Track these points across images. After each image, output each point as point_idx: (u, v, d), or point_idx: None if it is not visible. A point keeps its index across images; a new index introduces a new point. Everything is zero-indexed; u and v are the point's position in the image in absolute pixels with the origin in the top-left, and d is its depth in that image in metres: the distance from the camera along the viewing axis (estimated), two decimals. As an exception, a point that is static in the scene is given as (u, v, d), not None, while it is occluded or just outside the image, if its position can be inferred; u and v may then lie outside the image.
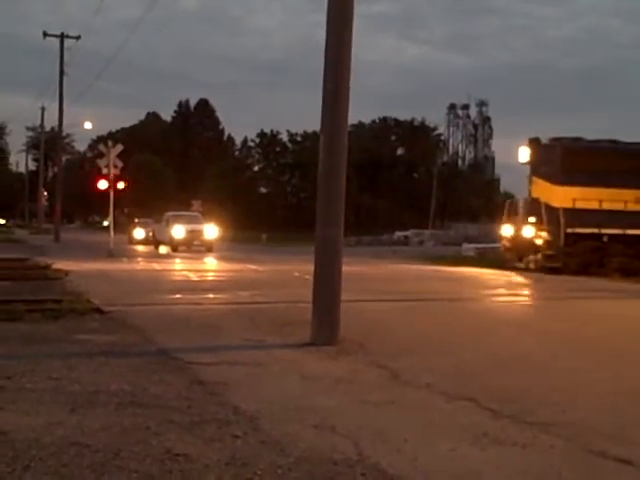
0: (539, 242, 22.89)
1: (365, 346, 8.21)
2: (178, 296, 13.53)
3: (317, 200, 8.62)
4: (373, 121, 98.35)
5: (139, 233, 44.31)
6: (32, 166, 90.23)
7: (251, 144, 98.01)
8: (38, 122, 67.12)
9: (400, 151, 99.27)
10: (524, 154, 24.42)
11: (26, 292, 12.99)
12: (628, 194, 23.38)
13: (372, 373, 6.90)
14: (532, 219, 23.17)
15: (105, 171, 30.01)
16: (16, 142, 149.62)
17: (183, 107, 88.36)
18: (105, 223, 59.62)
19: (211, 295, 13.88)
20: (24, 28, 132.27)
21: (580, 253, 23.00)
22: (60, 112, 41.00)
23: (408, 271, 23.17)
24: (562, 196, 22.92)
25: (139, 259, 23.11)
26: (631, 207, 23.37)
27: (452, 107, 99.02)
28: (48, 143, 66.88)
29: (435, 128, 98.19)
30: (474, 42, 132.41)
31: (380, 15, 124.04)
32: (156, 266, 21.69)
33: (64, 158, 64.80)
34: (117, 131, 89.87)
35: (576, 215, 22.67)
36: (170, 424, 5.00)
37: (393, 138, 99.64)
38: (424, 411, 5.60)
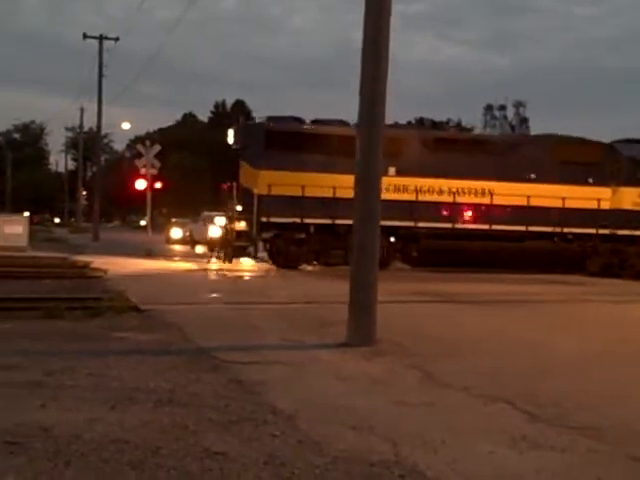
0: (233, 233, 21.78)
1: (402, 347, 8.19)
2: (215, 295, 13.61)
3: (354, 202, 8.61)
4: (409, 122, 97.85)
5: (176, 233, 44.61)
6: (71, 166, 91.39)
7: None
8: (77, 122, 67.97)
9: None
10: (231, 136, 23.01)
11: (66, 290, 13.18)
12: (341, 180, 20.92)
13: (409, 374, 6.87)
14: (240, 207, 21.81)
15: (143, 171, 30.39)
16: (56, 142, 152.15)
17: (220, 107, 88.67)
18: (142, 223, 60.21)
19: (247, 294, 13.93)
20: (65, 30, 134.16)
21: (283, 245, 21.75)
22: (99, 112, 41.46)
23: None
24: (260, 181, 21.33)
25: (176, 258, 23.28)
26: (343, 194, 20.87)
27: (489, 108, 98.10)
28: (87, 143, 67.69)
29: (472, 129, 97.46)
30: (512, 42, 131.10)
31: (416, 15, 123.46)
32: (193, 265, 21.81)
33: (103, 158, 65.49)
34: (155, 131, 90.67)
35: (272, 202, 21.07)
36: (208, 422, 5.03)
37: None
38: (462, 413, 5.56)
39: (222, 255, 22.44)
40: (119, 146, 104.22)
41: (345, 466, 4.21)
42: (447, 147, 22.77)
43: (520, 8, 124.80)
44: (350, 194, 21.17)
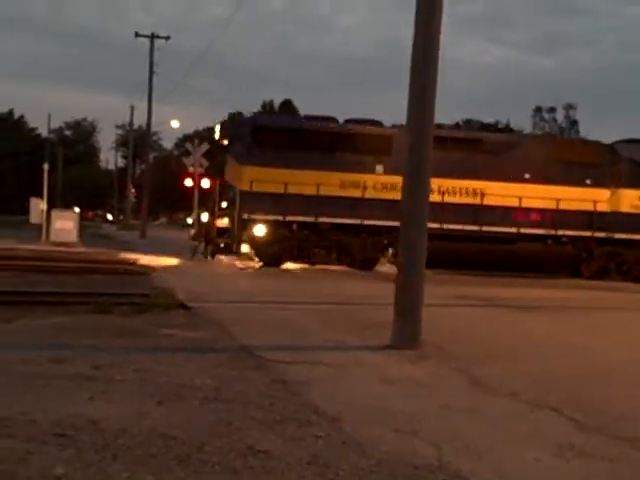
0: (214, 229, 21.61)
1: (446, 351, 8.15)
2: (259, 294, 13.69)
3: (402, 201, 8.59)
4: (457, 123, 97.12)
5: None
6: (121, 163, 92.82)
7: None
8: (127, 120, 69.04)
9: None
10: (217, 131, 22.83)
11: (114, 286, 13.38)
12: (325, 177, 21.11)
13: (454, 379, 6.83)
14: (224, 204, 21.66)
15: (191, 169, 30.67)
16: (106, 140, 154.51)
17: (267, 106, 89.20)
18: (189, 221, 60.73)
19: (291, 294, 13.97)
20: (116, 29, 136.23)
21: (268, 242, 21.33)
22: (149, 110, 42.02)
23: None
24: (243, 177, 21.09)
25: (222, 257, 23.46)
26: (326, 192, 21.02)
27: (538, 110, 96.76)
28: (137, 141, 68.66)
29: (520, 131, 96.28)
30: (561, 43, 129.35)
31: (465, 16, 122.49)
32: (238, 264, 21.97)
33: (151, 156, 66.38)
34: (203, 130, 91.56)
35: (254, 199, 20.79)
36: (252, 420, 5.07)
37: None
38: (507, 419, 5.51)
39: (204, 251, 22.42)
40: (168, 144, 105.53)
41: (389, 469, 4.21)
42: (438, 145, 22.18)
43: (570, 9, 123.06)
44: (334, 192, 21.02)
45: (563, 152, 22.80)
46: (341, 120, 22.73)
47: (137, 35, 41.66)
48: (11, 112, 75.08)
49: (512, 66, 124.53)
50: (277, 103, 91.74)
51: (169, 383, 6.03)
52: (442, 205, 21.25)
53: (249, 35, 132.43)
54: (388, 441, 4.73)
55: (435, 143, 21.41)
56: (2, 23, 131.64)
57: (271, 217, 21.03)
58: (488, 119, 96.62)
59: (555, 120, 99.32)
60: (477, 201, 22.13)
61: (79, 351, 7.17)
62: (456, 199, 22.00)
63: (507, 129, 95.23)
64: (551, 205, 22.24)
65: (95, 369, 6.39)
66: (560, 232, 22.66)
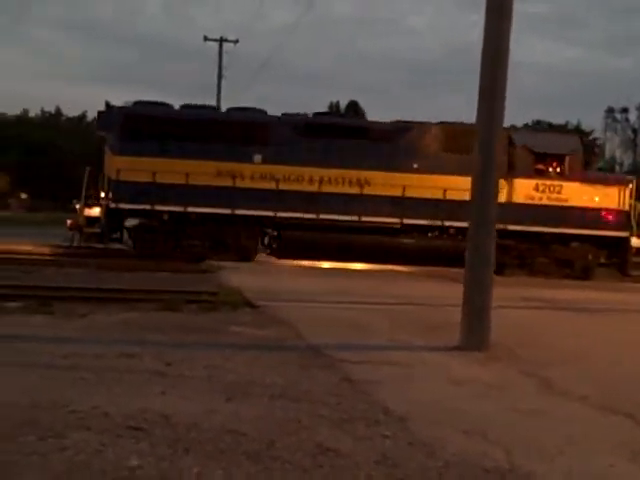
0: (84, 218, 20.92)
1: (516, 353, 8.03)
2: (326, 293, 13.73)
3: (470, 201, 8.50)
4: (526, 124, 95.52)
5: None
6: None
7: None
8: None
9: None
10: (98, 121, 22.37)
11: (182, 283, 13.62)
12: (196, 166, 20.49)
13: (523, 381, 6.73)
14: (103, 194, 20.94)
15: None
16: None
17: (334, 109, 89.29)
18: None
19: (354, 293, 13.95)
20: (184, 33, 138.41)
21: (139, 232, 20.92)
22: (217, 113, 42.45)
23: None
24: (113, 167, 20.66)
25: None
26: (198, 181, 20.43)
27: (610, 110, 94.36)
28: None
29: (591, 132, 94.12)
30: (635, 43, 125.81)
31: (535, 15, 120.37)
32: (304, 262, 22.05)
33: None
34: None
35: (123, 188, 20.36)
36: (320, 419, 5.08)
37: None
38: (579, 423, 5.40)
39: (77, 239, 22.07)
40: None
41: (458, 471, 4.16)
42: (319, 133, 21.38)
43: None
44: (207, 181, 20.49)
45: (455, 140, 21.43)
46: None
47: (206, 39, 42.20)
48: (84, 115, 77.18)
49: (584, 66, 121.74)
50: (343, 105, 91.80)
51: (238, 380, 6.10)
52: (320, 195, 20.88)
53: (315, 38, 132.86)
54: (456, 442, 4.69)
55: (317, 132, 19.88)
56: (73, 27, 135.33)
57: (139, 206, 20.58)
58: (559, 120, 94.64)
59: (628, 120, 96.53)
60: (357, 191, 21.27)
61: (149, 347, 7.32)
62: (335, 189, 21.24)
63: (577, 130, 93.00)
64: (438, 195, 21.18)
65: (166, 365, 6.50)
66: (447, 223, 21.57)
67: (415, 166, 21.41)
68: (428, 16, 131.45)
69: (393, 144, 21.39)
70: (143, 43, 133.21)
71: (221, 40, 42.05)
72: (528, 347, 8.53)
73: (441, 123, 22.53)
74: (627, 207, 21.91)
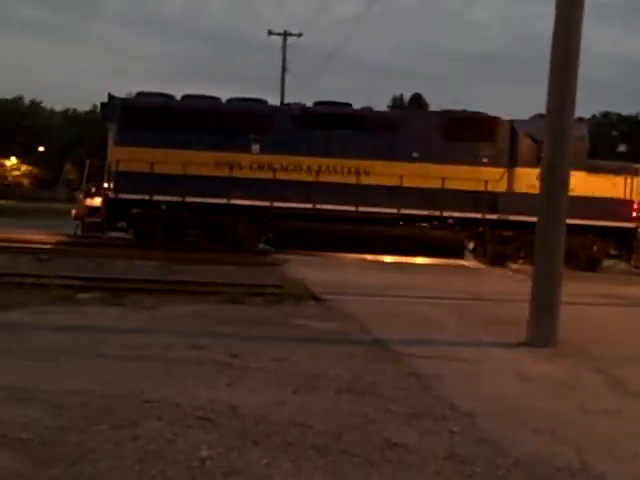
0: (86, 208, 21.06)
1: (585, 350, 7.87)
2: (391, 287, 13.68)
3: (540, 195, 8.36)
4: (593, 115, 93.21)
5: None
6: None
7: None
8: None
9: (622, 148, 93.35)
10: (101, 112, 22.31)
11: (249, 277, 13.75)
12: (194, 156, 20.43)
13: (594, 379, 6.59)
14: (106, 185, 20.92)
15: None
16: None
17: (397, 101, 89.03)
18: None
19: (419, 288, 13.87)
20: (248, 28, 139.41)
21: (138, 222, 20.86)
22: (281, 106, 42.64)
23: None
24: (113, 158, 20.82)
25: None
26: (196, 171, 20.38)
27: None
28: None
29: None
30: None
31: (603, 5, 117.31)
32: (367, 256, 22.01)
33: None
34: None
35: (122, 179, 20.44)
36: (387, 413, 5.08)
37: (614, 134, 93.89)
38: (653, 424, 5.26)
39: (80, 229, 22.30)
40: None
41: (528, 469, 4.11)
42: (317, 123, 21.12)
43: None
44: (205, 171, 20.40)
45: (455, 129, 21.11)
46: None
47: (270, 33, 42.42)
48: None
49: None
50: (407, 97, 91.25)
51: (304, 373, 6.14)
52: (317, 184, 20.61)
53: (380, 30, 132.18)
54: (526, 440, 4.63)
55: (316, 121, 19.22)
56: (138, 24, 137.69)
57: (138, 196, 20.64)
58: (629, 111, 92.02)
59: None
60: (354, 180, 20.87)
61: (216, 339, 7.42)
62: (332, 178, 20.88)
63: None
64: (436, 185, 20.65)
65: (232, 357, 6.58)
66: (446, 213, 21.03)
67: (414, 155, 21.02)
68: (494, 6, 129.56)
69: (393, 133, 21.11)
70: (208, 38, 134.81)
71: (285, 34, 42.21)
72: (598, 344, 8.35)
73: (448, 111, 22.10)
74: (633, 197, 21.14)
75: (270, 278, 13.61)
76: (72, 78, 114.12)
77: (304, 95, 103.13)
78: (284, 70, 42.00)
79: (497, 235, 21.35)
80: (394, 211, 20.87)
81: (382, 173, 20.67)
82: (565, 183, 8.24)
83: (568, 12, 8.13)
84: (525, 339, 8.10)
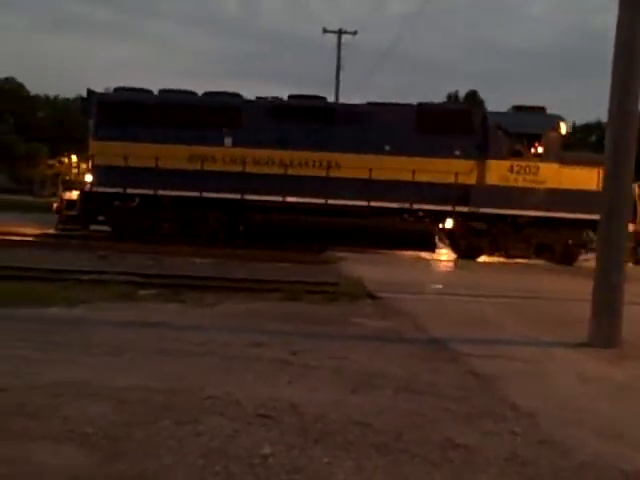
0: (64, 202, 21.61)
1: (649, 352, 7.68)
2: (447, 284, 13.60)
3: (602, 192, 8.19)
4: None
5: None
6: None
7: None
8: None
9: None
10: (81, 106, 23.05)
11: (305, 274, 13.80)
12: (167, 150, 20.80)
13: (660, 381, 6.43)
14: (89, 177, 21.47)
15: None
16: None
17: (452, 98, 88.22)
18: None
19: (474, 286, 13.74)
20: (303, 27, 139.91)
21: (114, 215, 21.40)
22: (336, 104, 42.62)
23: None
24: (90, 152, 21.62)
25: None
26: (169, 164, 20.71)
27: None
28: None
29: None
30: None
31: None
32: (424, 255, 21.90)
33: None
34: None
35: (98, 172, 21.16)
36: (446, 413, 5.05)
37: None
38: None
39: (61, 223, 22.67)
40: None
41: (594, 473, 4.04)
42: (289, 116, 21.21)
43: None
44: (178, 165, 20.62)
45: (425, 121, 20.98)
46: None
47: (325, 31, 42.44)
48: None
49: None
50: (462, 95, 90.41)
51: (362, 371, 6.14)
52: (286, 177, 20.74)
53: (435, 27, 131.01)
54: (590, 443, 4.54)
55: (288, 115, 19.66)
56: (195, 23, 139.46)
57: (112, 190, 21.12)
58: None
59: None
60: (323, 173, 20.87)
61: (275, 336, 7.47)
62: (302, 171, 20.95)
63: None
64: (407, 177, 20.46)
65: (291, 354, 6.62)
66: (416, 206, 20.89)
67: (386, 148, 21.03)
68: (549, 3, 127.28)
69: (363, 126, 21.14)
70: (264, 37, 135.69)
71: (340, 32, 42.17)
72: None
73: (419, 104, 21.96)
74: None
75: (326, 276, 13.64)
76: (131, 76, 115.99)
77: (359, 93, 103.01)
78: (339, 68, 41.95)
79: (469, 227, 21.23)
80: (364, 204, 20.93)
81: (352, 166, 20.77)
82: (628, 184, 8.06)
83: (633, 3, 7.93)
84: (586, 339, 7.95)
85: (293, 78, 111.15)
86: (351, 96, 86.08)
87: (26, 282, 10.47)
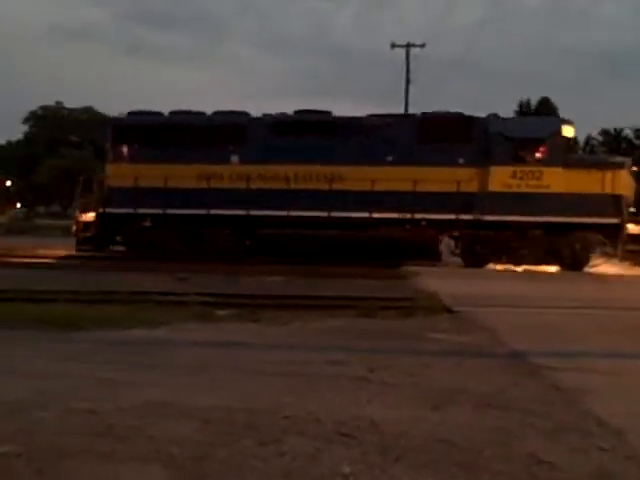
0: (81, 224, 22.16)
1: None
2: (524, 296, 13.35)
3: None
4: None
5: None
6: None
7: (594, 142, 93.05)
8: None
9: None
10: (99, 132, 23.12)
11: (378, 290, 13.78)
12: (176, 170, 21.31)
13: None
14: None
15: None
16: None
17: (524, 106, 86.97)
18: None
19: (547, 297, 13.44)
20: (371, 43, 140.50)
21: (127, 235, 21.86)
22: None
23: None
24: (106, 174, 22.48)
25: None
26: (178, 184, 21.20)
27: None
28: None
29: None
30: None
31: None
32: (497, 266, 21.59)
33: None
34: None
35: (111, 194, 21.89)
36: (530, 428, 4.95)
37: None
38: None
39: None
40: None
41: (687, 489, 3.91)
42: (292, 131, 21.21)
43: None
44: (187, 184, 20.98)
45: (426, 130, 20.68)
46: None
47: (393, 46, 42.55)
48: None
49: None
50: (534, 102, 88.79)
51: (441, 387, 6.08)
52: (290, 192, 20.86)
53: (504, 35, 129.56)
54: (683, 460, 4.39)
55: (291, 130, 20.21)
56: (266, 44, 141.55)
57: (124, 210, 21.74)
58: None
59: None
60: (326, 186, 20.76)
61: (353, 353, 7.47)
62: (304, 185, 20.96)
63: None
64: (408, 187, 20.14)
65: (369, 372, 6.61)
66: (418, 216, 20.48)
67: (386, 159, 20.94)
68: (625, 2, 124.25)
69: (363, 138, 21.13)
70: (333, 55, 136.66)
71: (408, 45, 42.22)
72: None
73: (420, 114, 21.86)
74: (616, 191, 19.87)
75: (401, 291, 13.59)
76: (210, 100, 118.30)
77: (428, 105, 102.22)
78: (408, 82, 42.01)
79: (473, 236, 20.82)
80: (366, 215, 20.91)
81: (355, 178, 20.73)
82: None
83: None
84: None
85: (363, 93, 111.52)
86: (421, 109, 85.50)
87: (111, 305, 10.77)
